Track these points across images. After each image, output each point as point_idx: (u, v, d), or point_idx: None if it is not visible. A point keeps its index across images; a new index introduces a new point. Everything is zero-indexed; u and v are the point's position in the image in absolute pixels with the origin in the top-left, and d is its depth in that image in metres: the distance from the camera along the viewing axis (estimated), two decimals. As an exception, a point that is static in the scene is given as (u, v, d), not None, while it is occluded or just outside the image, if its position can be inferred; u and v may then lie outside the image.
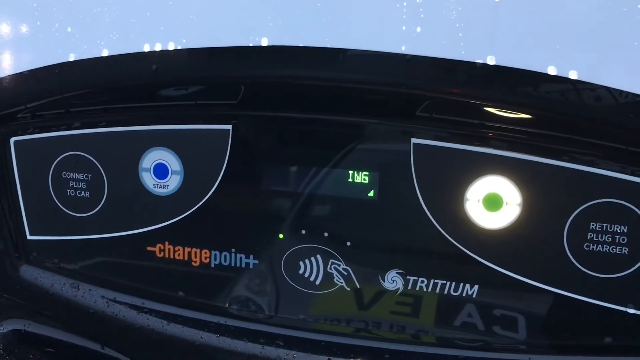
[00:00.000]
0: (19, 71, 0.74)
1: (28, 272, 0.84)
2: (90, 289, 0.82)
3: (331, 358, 0.73)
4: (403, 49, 0.62)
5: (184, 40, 0.67)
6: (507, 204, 0.66)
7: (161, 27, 0.68)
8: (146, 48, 0.68)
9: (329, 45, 0.64)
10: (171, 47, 0.68)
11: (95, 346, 0.85)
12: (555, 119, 0.63)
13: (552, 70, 0.59)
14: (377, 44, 0.63)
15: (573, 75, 0.58)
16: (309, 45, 0.65)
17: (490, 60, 0.60)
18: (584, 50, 0.58)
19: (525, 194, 0.65)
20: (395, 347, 0.72)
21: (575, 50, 0.58)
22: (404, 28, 0.61)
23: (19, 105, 0.78)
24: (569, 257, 0.65)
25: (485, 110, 0.64)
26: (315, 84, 0.68)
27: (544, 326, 0.68)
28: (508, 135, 0.65)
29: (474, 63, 0.61)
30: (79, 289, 0.82)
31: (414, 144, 0.68)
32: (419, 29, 0.61)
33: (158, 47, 0.68)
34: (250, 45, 0.66)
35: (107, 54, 0.70)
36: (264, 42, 0.65)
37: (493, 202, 0.66)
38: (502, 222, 0.66)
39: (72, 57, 0.71)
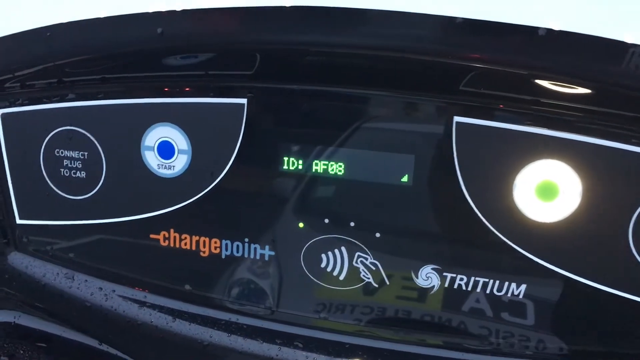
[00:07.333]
0: (5, 34, 0.65)
1: (17, 259, 0.76)
2: (86, 280, 0.74)
3: (355, 362, 0.65)
4: (451, 12, 0.53)
5: (195, -1, 0.58)
6: (563, 193, 0.57)
7: (168, -17, 0.59)
8: (151, 8, 0.59)
9: (361, 6, 0.56)
10: (179, 6, 0.59)
11: (92, 342, 0.77)
12: (624, 95, 0.54)
13: (629, 38, 0.50)
14: (419, 5, 0.54)
15: (655, 43, 0.50)
16: (339, 5, 0.56)
17: (554, 25, 0.51)
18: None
19: (585, 182, 0.56)
20: (426, 352, 0.65)
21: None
22: (454, -14, 0.52)
23: (7, 73, 0.69)
24: (634, 255, 0.56)
25: (541, 84, 0.55)
26: (344, 52, 0.60)
27: (603, 332, 0.60)
28: (567, 113, 0.56)
29: (534, 28, 0.52)
30: (74, 279, 0.74)
31: (456, 122, 0.59)
32: (471, -13, 0.52)
33: (164, 7, 0.59)
34: (272, 5, 0.57)
35: (106, 15, 0.61)
36: (288, 2, 0.56)
37: (547, 190, 0.58)
38: (557, 214, 0.58)
39: (66, 18, 0.62)
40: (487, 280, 0.62)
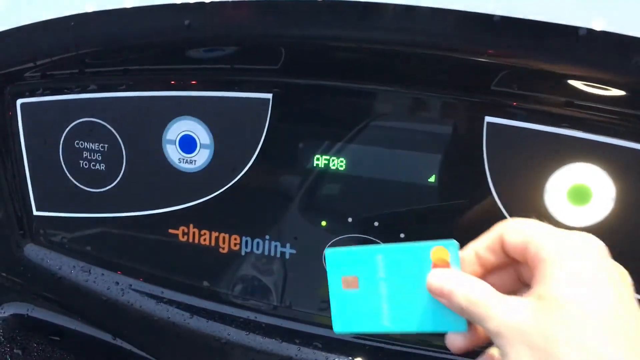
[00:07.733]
0: (28, 22, 0.64)
1: (33, 251, 0.75)
2: (103, 274, 0.73)
3: (376, 364, 0.64)
4: (489, 8, 0.52)
5: (224, -9, 0.57)
6: (596, 197, 0.56)
7: (197, -27, 0.58)
8: (178, -1, 0.58)
9: (394, 1, 0.54)
10: (208, -2, 0.58)
11: (106, 336, 0.76)
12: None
13: (673, 39, 0.49)
14: (454, 2, 0.53)
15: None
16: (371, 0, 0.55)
17: (597, 25, 0.50)
18: None
19: (619, 186, 0.55)
20: (451, 357, 0.63)
21: None
22: (492, -18, 0.51)
23: (28, 62, 0.68)
24: (668, 262, 0.55)
25: (575, 85, 0.54)
26: (373, 48, 0.58)
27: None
28: (601, 116, 0.55)
29: (574, 28, 0.50)
30: (90, 273, 0.73)
31: (487, 123, 0.58)
32: (510, -16, 0.51)
33: (192, -2, 0.58)
34: (302, -1, 0.56)
35: (131, 5, 0.60)
36: (320, -5, 0.55)
37: (579, 194, 0.56)
38: (590, 219, 0.56)
39: (89, 8, 0.61)
40: (513, 284, 0.60)
